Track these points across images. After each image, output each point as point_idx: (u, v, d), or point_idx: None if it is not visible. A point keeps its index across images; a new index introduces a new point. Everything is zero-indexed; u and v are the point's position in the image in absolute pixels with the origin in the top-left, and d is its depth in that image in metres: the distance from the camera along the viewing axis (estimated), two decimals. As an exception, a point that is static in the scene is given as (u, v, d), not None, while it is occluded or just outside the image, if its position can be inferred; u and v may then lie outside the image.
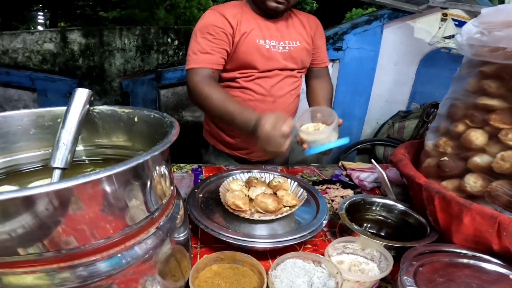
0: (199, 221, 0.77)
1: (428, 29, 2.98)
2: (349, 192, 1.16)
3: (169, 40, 3.06)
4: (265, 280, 0.62)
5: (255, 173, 1.00)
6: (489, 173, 0.76)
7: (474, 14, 2.64)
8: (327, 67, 1.48)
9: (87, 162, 0.65)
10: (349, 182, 1.27)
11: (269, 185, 0.93)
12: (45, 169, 0.59)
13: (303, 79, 1.47)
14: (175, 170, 1.25)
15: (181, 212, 0.57)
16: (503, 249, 0.68)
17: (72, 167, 0.56)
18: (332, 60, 2.87)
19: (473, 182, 0.77)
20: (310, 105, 1.40)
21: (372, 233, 0.90)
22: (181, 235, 0.56)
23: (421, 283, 0.61)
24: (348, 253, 0.77)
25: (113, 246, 0.43)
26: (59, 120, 0.59)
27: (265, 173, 1.01)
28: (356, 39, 2.90)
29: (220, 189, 0.88)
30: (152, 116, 0.58)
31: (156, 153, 0.41)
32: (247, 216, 0.79)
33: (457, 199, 0.72)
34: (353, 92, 3.02)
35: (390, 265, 0.68)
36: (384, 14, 2.87)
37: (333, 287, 0.63)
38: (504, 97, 0.75)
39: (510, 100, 0.73)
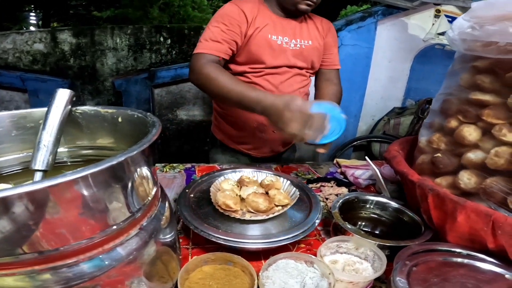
0: (189, 222, 0.76)
1: (422, 25, 2.99)
2: (344, 190, 1.15)
3: (162, 39, 3.05)
4: (256, 281, 0.61)
5: (247, 173, 0.99)
6: (483, 169, 0.74)
7: (467, 10, 2.66)
8: (338, 70, 1.49)
9: (69, 164, 0.63)
10: (344, 179, 1.26)
11: (261, 184, 0.92)
12: (27, 172, 0.57)
13: (312, 80, 1.48)
14: (167, 170, 1.24)
15: (167, 213, 0.56)
16: (498, 247, 0.67)
17: (54, 169, 0.55)
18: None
19: (467, 178, 0.76)
20: None
21: (366, 231, 0.89)
22: (167, 236, 0.55)
23: (414, 283, 0.60)
24: (342, 253, 0.76)
25: (94, 247, 0.42)
26: (41, 121, 0.58)
27: (258, 172, 1.00)
28: (350, 36, 2.90)
29: (211, 188, 0.87)
30: (135, 116, 0.57)
31: (134, 153, 0.40)
32: (238, 216, 0.77)
33: (451, 197, 0.70)
34: (348, 89, 2.99)
35: (383, 265, 0.67)
36: (378, 10, 2.87)
37: (326, 287, 0.62)
38: (497, 92, 0.74)
39: (503, 95, 0.72)
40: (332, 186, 1.18)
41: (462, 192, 0.77)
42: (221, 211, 0.78)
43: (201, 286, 0.63)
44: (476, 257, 0.69)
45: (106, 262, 0.43)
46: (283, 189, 0.92)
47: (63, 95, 0.55)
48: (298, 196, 0.87)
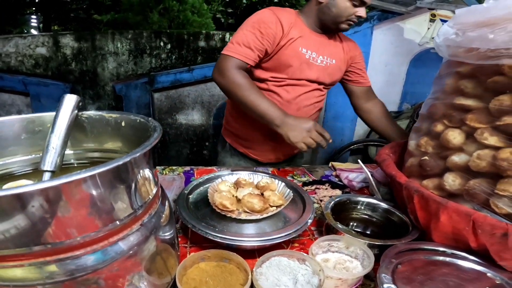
0: (187, 221, 0.79)
1: (417, 29, 3.03)
2: (338, 192, 1.18)
3: (162, 44, 3.08)
4: (250, 277, 0.64)
5: (244, 175, 1.03)
6: (467, 171, 0.76)
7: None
8: (371, 87, 1.56)
9: (75, 165, 0.67)
10: (339, 182, 1.29)
11: (256, 186, 0.95)
12: (36, 172, 0.61)
13: (327, 94, 1.54)
14: (167, 172, 1.27)
15: (167, 212, 0.59)
16: (480, 246, 0.69)
17: (61, 170, 0.58)
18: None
19: (451, 180, 0.78)
20: (373, 124, 1.56)
21: (357, 231, 0.92)
22: (166, 234, 0.58)
23: (399, 280, 0.62)
24: (333, 252, 0.79)
25: (98, 241, 0.45)
26: (48, 125, 0.61)
27: (254, 175, 1.03)
28: (347, 40, 2.93)
29: (209, 190, 0.90)
30: (138, 121, 0.61)
31: (137, 154, 0.44)
32: (234, 215, 0.81)
33: (434, 197, 0.73)
34: (345, 93, 3.05)
35: (371, 262, 0.70)
36: (373, 15, 2.92)
37: (317, 284, 0.65)
38: (479, 97, 0.76)
39: (485, 100, 0.74)
40: (326, 189, 1.21)
41: (447, 194, 0.79)
42: (218, 211, 0.81)
43: (197, 282, 0.65)
44: (460, 256, 0.71)
45: (109, 256, 0.46)
46: (278, 190, 0.95)
47: (70, 101, 0.59)
48: (292, 197, 0.90)
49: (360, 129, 3.35)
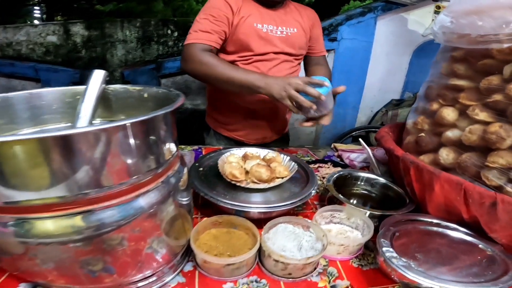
0: (199, 189, 0.84)
1: (421, 21, 3.04)
2: (339, 170, 1.24)
3: (169, 31, 3.12)
4: (258, 239, 0.69)
5: (251, 150, 1.08)
6: (459, 146, 0.81)
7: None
8: (325, 56, 1.56)
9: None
10: (340, 162, 1.34)
11: (263, 158, 1.01)
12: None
13: (301, 67, 1.54)
14: (177, 152, 1.33)
15: (184, 177, 0.63)
16: (472, 218, 0.73)
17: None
18: (327, 51, 2.94)
19: (445, 155, 0.83)
20: None
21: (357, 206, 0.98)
22: (184, 199, 0.62)
23: (396, 247, 0.67)
24: (335, 223, 0.85)
25: (122, 195, 0.48)
26: (78, 97, 0.68)
27: (260, 150, 1.09)
28: (350, 30, 2.97)
29: (219, 161, 0.96)
30: (160, 91, 0.66)
31: (164, 112, 0.49)
32: (243, 185, 0.87)
33: (428, 168, 0.78)
34: (348, 81, 3.10)
35: (371, 231, 0.76)
36: (378, 6, 2.94)
37: (320, 249, 0.70)
38: (470, 78, 0.82)
39: (476, 80, 0.80)
40: (328, 167, 1.26)
41: (442, 168, 0.83)
42: (228, 180, 0.87)
43: (208, 246, 0.71)
44: (453, 228, 0.76)
45: (131, 211, 0.49)
46: (283, 163, 1.01)
47: (98, 75, 0.65)
48: (297, 169, 0.96)
49: (362, 116, 3.40)
